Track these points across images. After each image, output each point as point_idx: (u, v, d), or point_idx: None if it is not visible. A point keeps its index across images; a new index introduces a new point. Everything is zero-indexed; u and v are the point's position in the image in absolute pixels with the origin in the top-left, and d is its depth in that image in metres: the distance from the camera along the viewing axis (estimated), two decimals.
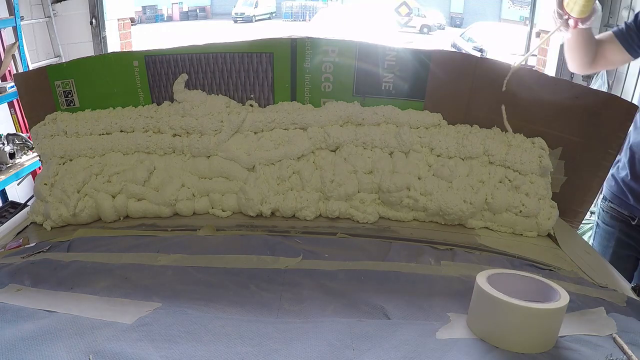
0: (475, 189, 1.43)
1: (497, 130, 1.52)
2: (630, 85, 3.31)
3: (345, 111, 1.51)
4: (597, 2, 1.36)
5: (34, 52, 3.47)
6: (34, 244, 1.30)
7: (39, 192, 1.47)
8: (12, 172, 2.68)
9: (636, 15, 1.44)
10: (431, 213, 1.44)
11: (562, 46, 4.08)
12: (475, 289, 0.90)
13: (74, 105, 1.58)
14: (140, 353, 0.78)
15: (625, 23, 1.47)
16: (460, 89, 1.53)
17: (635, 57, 1.49)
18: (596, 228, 1.75)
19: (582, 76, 3.87)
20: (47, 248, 1.24)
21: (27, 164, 2.78)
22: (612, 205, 1.64)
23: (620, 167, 1.60)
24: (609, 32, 1.50)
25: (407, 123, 1.51)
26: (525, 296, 0.87)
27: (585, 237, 2.65)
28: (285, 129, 1.53)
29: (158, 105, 1.58)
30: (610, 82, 3.60)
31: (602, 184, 1.59)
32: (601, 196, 1.72)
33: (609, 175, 1.59)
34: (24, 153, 2.84)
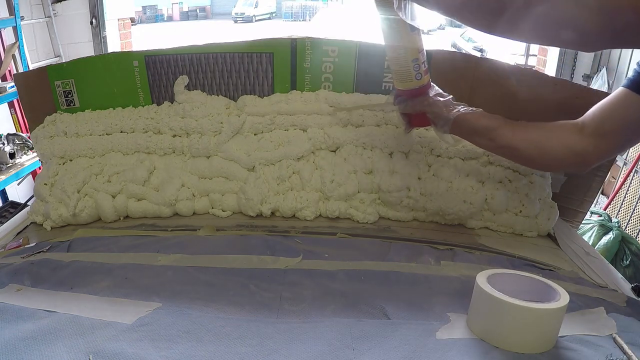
0: (475, 189, 1.43)
1: None
2: None
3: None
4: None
5: (34, 52, 3.48)
6: (34, 244, 1.30)
7: (39, 192, 1.47)
8: (12, 172, 2.69)
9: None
10: (431, 213, 1.44)
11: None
12: (475, 289, 0.90)
13: (74, 105, 1.58)
14: (140, 353, 0.78)
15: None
16: (460, 89, 1.53)
17: None
18: None
19: (582, 76, 3.87)
20: (47, 248, 1.24)
21: (27, 164, 2.78)
22: None
23: None
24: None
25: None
26: (525, 296, 0.86)
27: (585, 237, 2.65)
28: (285, 130, 1.53)
29: (158, 105, 1.58)
30: (611, 82, 3.60)
31: (602, 183, 1.59)
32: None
33: None
34: (24, 153, 2.85)
